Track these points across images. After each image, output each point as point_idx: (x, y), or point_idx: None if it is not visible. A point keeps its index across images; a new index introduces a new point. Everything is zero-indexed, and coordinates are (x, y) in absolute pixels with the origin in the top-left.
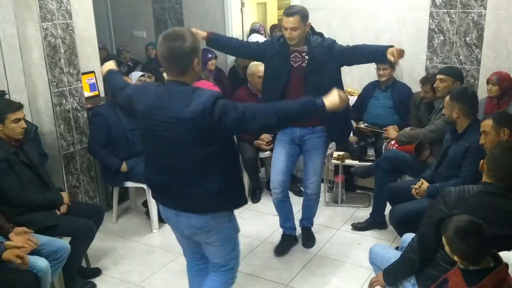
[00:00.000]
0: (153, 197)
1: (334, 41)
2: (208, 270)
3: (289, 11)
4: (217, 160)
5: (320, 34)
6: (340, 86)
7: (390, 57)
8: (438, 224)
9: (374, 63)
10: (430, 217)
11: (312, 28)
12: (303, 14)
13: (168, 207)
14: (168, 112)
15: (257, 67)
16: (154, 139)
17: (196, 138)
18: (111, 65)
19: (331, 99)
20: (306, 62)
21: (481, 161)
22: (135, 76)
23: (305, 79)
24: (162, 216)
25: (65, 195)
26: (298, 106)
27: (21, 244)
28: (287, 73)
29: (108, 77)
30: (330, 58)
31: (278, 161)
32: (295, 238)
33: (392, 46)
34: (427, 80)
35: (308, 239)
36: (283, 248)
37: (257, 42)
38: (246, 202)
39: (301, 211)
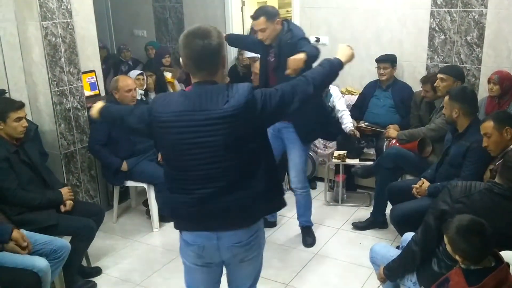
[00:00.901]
0: (180, 227)
1: (302, 38)
2: None
3: (255, 14)
4: (260, 157)
5: (291, 30)
6: None
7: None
8: (441, 216)
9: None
10: (434, 208)
11: (288, 24)
12: (268, 14)
13: (206, 231)
14: (208, 113)
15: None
16: (189, 150)
17: (240, 136)
18: (99, 104)
19: (343, 52)
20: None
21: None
22: (133, 74)
23: (275, 74)
24: (189, 247)
25: (64, 191)
26: (324, 69)
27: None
28: (265, 68)
29: (106, 112)
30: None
31: None
32: (270, 223)
33: (304, 52)
34: (428, 80)
35: (308, 238)
36: None
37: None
38: (285, 204)
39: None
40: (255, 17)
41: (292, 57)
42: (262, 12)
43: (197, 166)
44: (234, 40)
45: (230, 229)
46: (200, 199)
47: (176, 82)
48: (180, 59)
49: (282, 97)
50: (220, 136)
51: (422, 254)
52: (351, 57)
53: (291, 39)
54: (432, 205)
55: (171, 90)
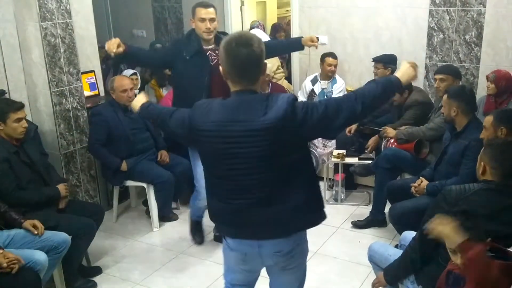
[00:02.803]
0: (221, 232)
1: None
2: None
3: (207, 3)
4: (301, 168)
5: (227, 34)
6: None
7: (310, 43)
8: None
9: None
10: (431, 216)
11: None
12: (215, 9)
13: (247, 239)
14: (246, 125)
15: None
16: (227, 160)
17: (279, 147)
18: (142, 98)
19: (405, 71)
20: None
21: (481, 164)
22: (127, 74)
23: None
24: (232, 252)
25: (61, 188)
26: (378, 88)
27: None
28: (208, 71)
29: (145, 111)
30: None
31: None
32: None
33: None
34: None
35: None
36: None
37: (165, 48)
38: (325, 217)
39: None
40: (209, 5)
41: (311, 35)
42: (213, 4)
43: (234, 177)
44: (133, 56)
45: (270, 238)
46: (237, 209)
47: None
48: (220, 67)
49: (325, 111)
50: (257, 148)
51: (421, 259)
52: (412, 78)
53: None
54: (429, 212)
55: None
